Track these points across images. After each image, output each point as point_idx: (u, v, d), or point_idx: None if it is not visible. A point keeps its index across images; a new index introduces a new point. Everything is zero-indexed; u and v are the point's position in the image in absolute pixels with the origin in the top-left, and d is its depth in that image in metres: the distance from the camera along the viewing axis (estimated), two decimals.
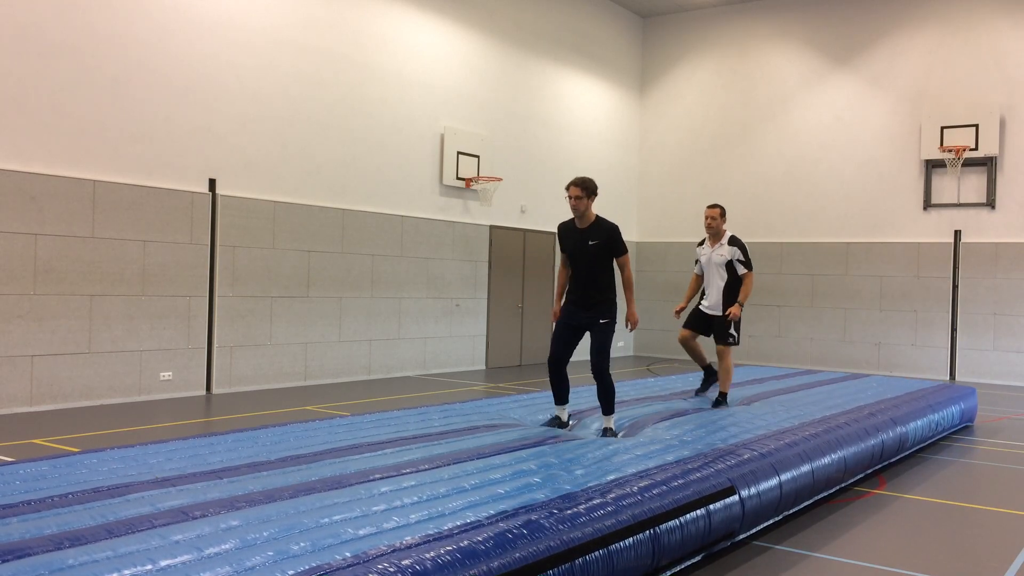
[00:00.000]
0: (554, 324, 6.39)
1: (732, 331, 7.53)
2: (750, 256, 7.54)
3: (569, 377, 6.35)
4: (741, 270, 7.48)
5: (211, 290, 10.20)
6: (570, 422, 6.52)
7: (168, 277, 9.74)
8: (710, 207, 7.59)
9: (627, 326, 6.31)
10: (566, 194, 6.16)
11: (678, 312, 7.77)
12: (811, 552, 4.88)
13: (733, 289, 7.52)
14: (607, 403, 6.16)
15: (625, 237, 6.36)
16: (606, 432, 6.16)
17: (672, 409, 7.10)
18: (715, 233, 7.58)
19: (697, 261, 7.80)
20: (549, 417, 6.56)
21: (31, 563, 2.88)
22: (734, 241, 7.52)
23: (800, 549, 4.94)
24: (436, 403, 7.24)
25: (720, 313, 7.56)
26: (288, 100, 11.08)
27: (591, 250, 6.04)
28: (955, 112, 14.43)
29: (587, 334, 6.25)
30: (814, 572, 4.57)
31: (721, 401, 7.58)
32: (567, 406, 6.41)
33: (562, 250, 6.33)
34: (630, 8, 17.52)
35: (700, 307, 7.75)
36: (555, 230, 6.32)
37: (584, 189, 6.04)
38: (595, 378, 6.13)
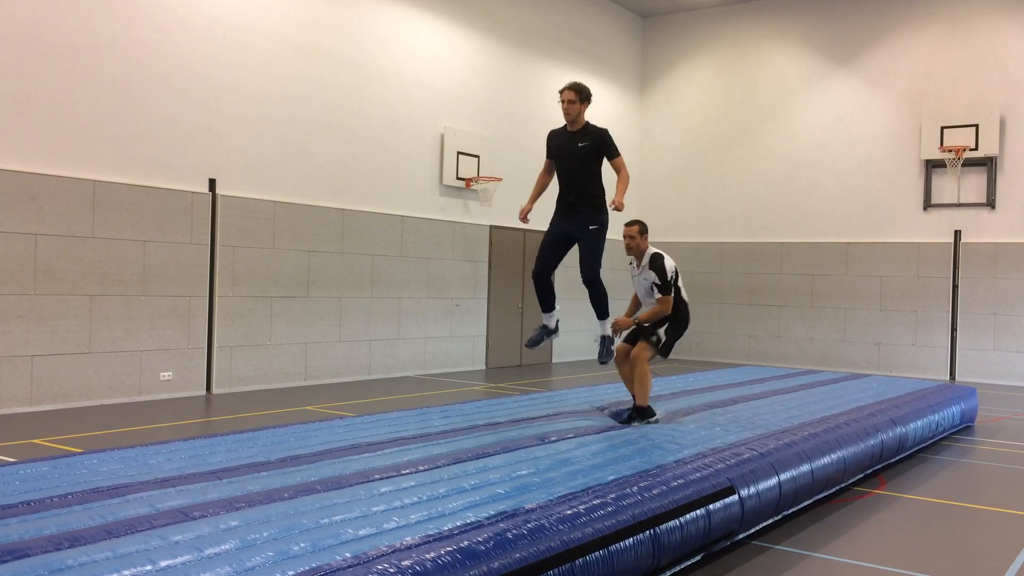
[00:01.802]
0: (520, 219, 6.39)
1: (660, 331, 6.52)
2: (669, 277, 6.43)
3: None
4: (656, 293, 6.48)
5: (211, 290, 10.20)
6: (559, 329, 6.54)
7: (168, 277, 9.74)
8: (627, 225, 6.51)
9: (610, 206, 5.93)
10: (559, 98, 6.10)
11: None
12: (811, 552, 4.88)
13: (675, 312, 6.55)
14: (601, 308, 6.16)
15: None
16: (603, 340, 6.18)
17: (671, 410, 7.09)
18: (637, 254, 6.55)
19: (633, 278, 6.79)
20: (537, 328, 6.52)
21: (30, 564, 2.88)
22: (653, 262, 6.45)
23: (800, 549, 4.94)
24: (436, 403, 7.24)
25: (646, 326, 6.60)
26: (288, 100, 11.08)
27: (581, 152, 5.96)
28: (955, 112, 14.43)
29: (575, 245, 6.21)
30: (814, 572, 4.57)
31: (635, 418, 6.47)
32: (555, 313, 6.40)
33: (548, 155, 6.27)
34: (630, 8, 17.52)
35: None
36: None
37: (578, 93, 5.98)
38: (586, 286, 6.06)
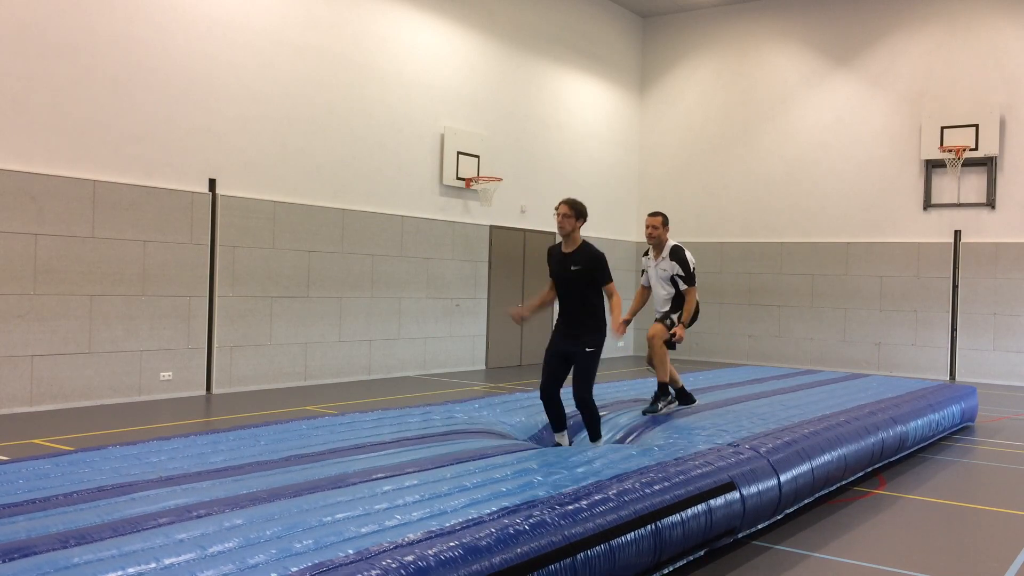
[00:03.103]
0: (514, 318, 6.36)
1: (674, 316, 6.81)
2: (692, 270, 6.80)
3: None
4: (682, 286, 6.80)
5: (211, 290, 10.20)
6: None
7: (168, 277, 9.75)
8: (651, 215, 6.88)
9: (613, 334, 6.02)
10: (555, 212, 5.99)
11: (623, 325, 6.18)
12: (811, 552, 4.89)
13: (681, 302, 6.86)
14: (593, 430, 6.00)
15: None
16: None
17: (672, 410, 7.09)
18: (657, 244, 6.90)
19: (644, 272, 7.13)
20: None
21: (37, 561, 2.89)
22: (675, 253, 6.79)
23: (800, 549, 4.94)
24: (436, 403, 7.24)
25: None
26: (288, 100, 11.09)
27: (573, 276, 5.84)
28: (955, 112, 14.44)
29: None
30: (814, 572, 4.58)
31: (659, 398, 6.88)
32: (566, 432, 6.15)
33: (550, 274, 6.16)
34: (630, 8, 17.53)
35: (656, 317, 7.01)
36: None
37: (573, 209, 5.85)
38: (578, 407, 5.93)
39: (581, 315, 5.88)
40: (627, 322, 6.60)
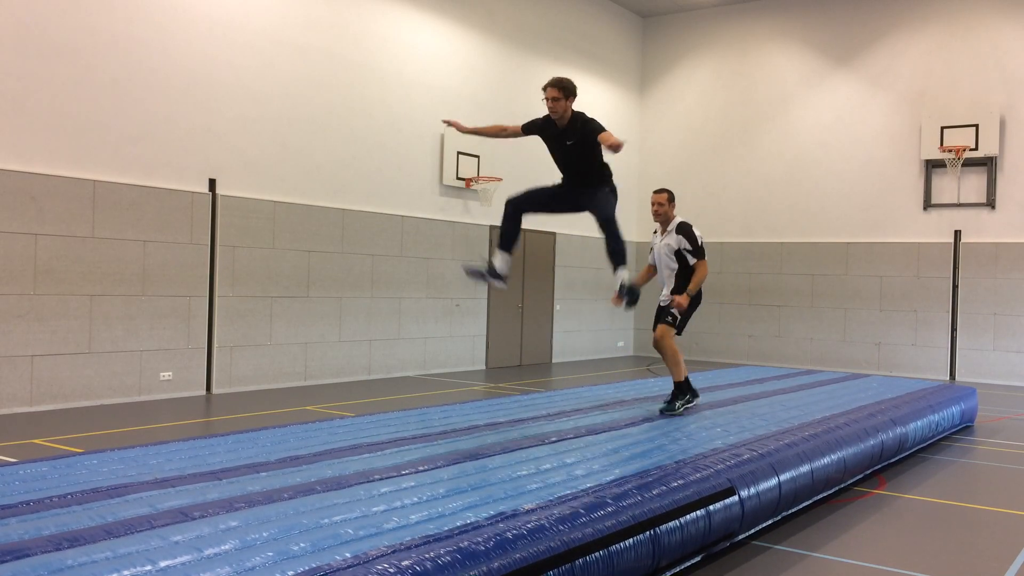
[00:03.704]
0: (445, 122, 6.21)
1: (674, 311, 6.79)
2: (700, 243, 6.81)
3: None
4: (691, 260, 6.79)
5: (211, 290, 10.20)
6: (501, 278, 6.11)
7: (168, 277, 9.74)
8: (656, 192, 6.90)
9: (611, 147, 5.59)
10: (543, 95, 5.86)
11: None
12: (811, 552, 4.88)
13: (685, 278, 6.82)
14: (617, 254, 5.83)
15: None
16: (623, 290, 5.85)
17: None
18: (664, 220, 6.93)
19: (651, 249, 7.19)
20: (482, 265, 6.13)
21: (30, 563, 2.88)
22: (681, 228, 6.82)
23: (800, 549, 4.94)
24: (436, 403, 7.23)
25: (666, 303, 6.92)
26: (288, 100, 11.08)
27: (572, 149, 5.80)
28: (955, 112, 14.43)
29: (567, 206, 6.10)
30: (814, 572, 4.57)
31: (676, 397, 6.84)
32: (508, 260, 5.99)
33: (524, 129, 6.02)
34: (630, 8, 17.52)
35: (660, 302, 7.00)
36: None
37: (562, 90, 5.75)
38: (602, 227, 5.76)
39: (589, 175, 5.86)
40: (633, 290, 6.41)
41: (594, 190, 5.91)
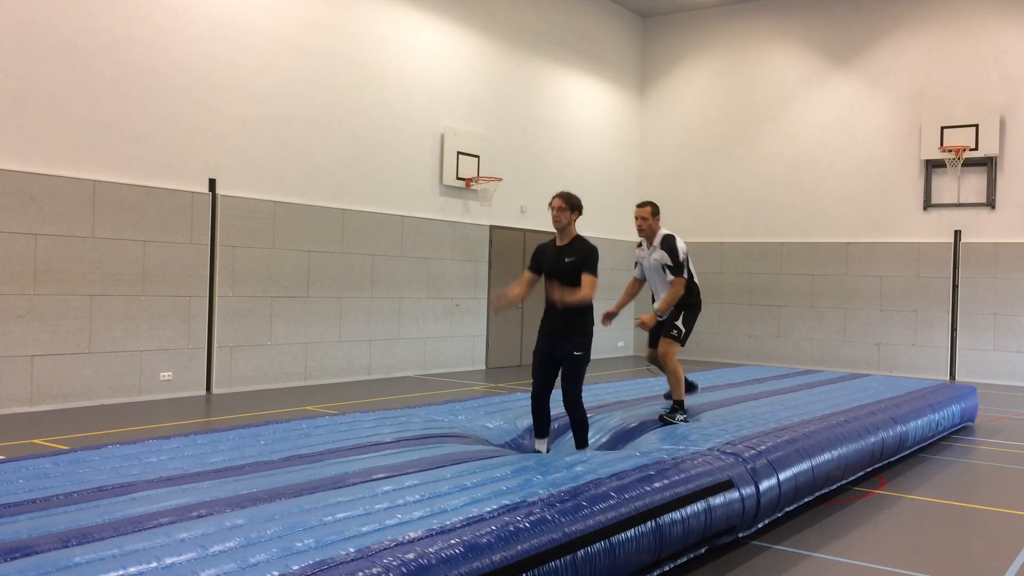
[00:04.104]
0: (493, 306, 6.16)
1: (678, 323, 6.67)
2: (682, 258, 6.61)
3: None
4: (668, 276, 6.63)
5: (211, 290, 10.20)
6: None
7: (168, 277, 9.75)
8: (639, 206, 6.72)
9: (556, 298, 5.62)
10: (549, 208, 5.85)
11: (608, 317, 6.55)
12: (811, 552, 4.89)
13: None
14: (580, 437, 5.77)
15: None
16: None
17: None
18: (649, 234, 6.76)
19: (637, 264, 7.02)
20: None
21: (38, 560, 2.89)
22: (665, 242, 6.65)
23: (800, 549, 4.95)
24: (436, 403, 7.24)
25: (664, 318, 6.76)
26: (288, 100, 11.09)
27: (568, 269, 5.64)
28: (955, 112, 14.45)
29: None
30: (814, 572, 4.58)
31: (676, 410, 6.67)
32: (547, 440, 5.95)
33: (530, 268, 5.99)
34: (630, 8, 17.54)
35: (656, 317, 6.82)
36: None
37: (567, 202, 5.73)
38: (567, 410, 5.73)
39: (571, 319, 5.66)
40: (613, 315, 6.60)
41: (570, 347, 5.65)
